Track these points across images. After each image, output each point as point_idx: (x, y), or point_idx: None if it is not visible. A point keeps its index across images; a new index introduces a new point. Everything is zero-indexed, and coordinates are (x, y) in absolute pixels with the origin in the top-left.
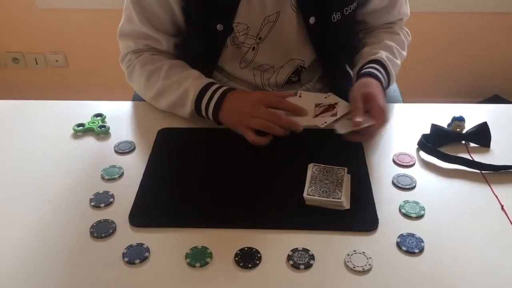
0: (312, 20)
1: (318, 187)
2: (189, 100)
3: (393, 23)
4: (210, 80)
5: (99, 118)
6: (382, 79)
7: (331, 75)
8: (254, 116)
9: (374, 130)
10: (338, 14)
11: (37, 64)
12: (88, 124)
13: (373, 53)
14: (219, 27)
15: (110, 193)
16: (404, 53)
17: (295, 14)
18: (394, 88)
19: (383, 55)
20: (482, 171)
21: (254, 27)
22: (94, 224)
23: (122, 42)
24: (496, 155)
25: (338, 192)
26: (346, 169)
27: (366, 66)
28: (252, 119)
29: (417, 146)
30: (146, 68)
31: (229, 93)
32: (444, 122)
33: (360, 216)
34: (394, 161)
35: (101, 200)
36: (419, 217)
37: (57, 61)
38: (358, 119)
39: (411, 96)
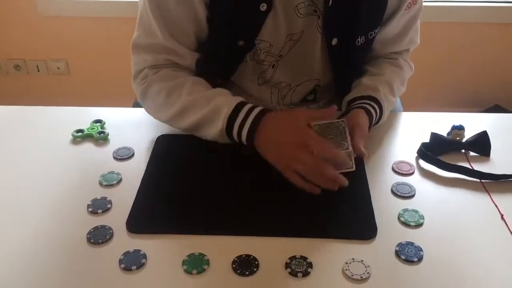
0: (334, 41)
1: None
2: (221, 116)
3: (399, 53)
4: (242, 98)
5: (98, 124)
6: (374, 120)
7: (343, 94)
8: (299, 161)
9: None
10: (363, 38)
11: (38, 71)
12: (87, 130)
13: (373, 89)
14: (241, 43)
15: (108, 199)
16: (403, 88)
17: (320, 34)
18: None
19: (382, 94)
20: (482, 180)
21: (277, 46)
22: (91, 230)
23: (137, 56)
24: (496, 164)
25: (344, 143)
26: (344, 120)
27: (363, 101)
28: (297, 164)
29: (416, 155)
30: (166, 84)
31: (265, 115)
32: (443, 131)
33: (359, 224)
34: (393, 169)
35: (99, 206)
36: (418, 225)
37: (58, 68)
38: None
39: (411, 105)
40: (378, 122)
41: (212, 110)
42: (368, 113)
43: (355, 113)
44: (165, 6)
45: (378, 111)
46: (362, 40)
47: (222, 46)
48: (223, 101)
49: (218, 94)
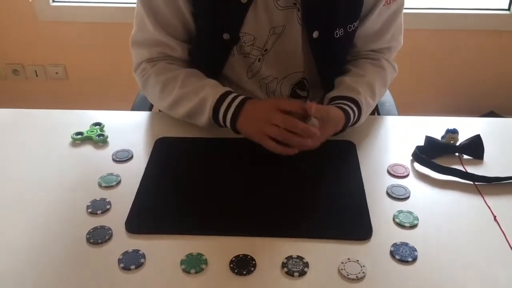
0: (315, 34)
1: None
2: (207, 107)
3: (380, 52)
4: (228, 88)
5: (97, 127)
6: (351, 121)
7: (329, 88)
8: (271, 123)
9: (305, 141)
10: (341, 30)
11: (37, 76)
12: (87, 132)
13: (354, 90)
14: (226, 36)
15: (107, 200)
16: (385, 89)
17: (301, 27)
18: (389, 102)
19: (362, 97)
20: (475, 183)
21: (261, 39)
22: (91, 231)
23: (135, 51)
24: (489, 167)
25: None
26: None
27: (343, 102)
28: (269, 127)
29: (411, 158)
30: (161, 77)
31: (247, 101)
32: (438, 135)
33: (355, 224)
34: (388, 172)
35: (98, 207)
36: (413, 226)
37: (57, 73)
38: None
39: (407, 111)
40: (355, 124)
41: (199, 102)
42: (347, 114)
43: (335, 112)
44: (154, 2)
45: (356, 113)
46: (341, 33)
47: (208, 40)
48: (209, 92)
49: (206, 86)
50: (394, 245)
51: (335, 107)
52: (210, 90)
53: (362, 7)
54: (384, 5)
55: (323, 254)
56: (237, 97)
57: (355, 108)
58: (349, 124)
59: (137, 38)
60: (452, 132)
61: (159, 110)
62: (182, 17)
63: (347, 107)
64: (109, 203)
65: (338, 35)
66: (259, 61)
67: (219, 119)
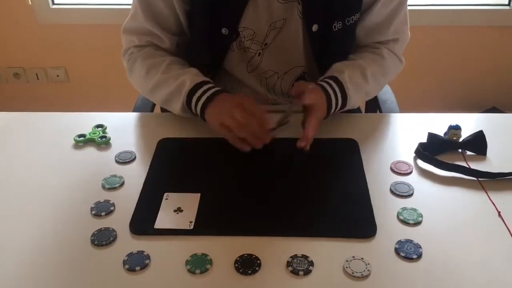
0: (315, 27)
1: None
2: (183, 92)
3: (382, 43)
4: (207, 78)
5: (100, 129)
6: (332, 96)
7: None
8: (231, 116)
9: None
10: (339, 23)
11: (38, 79)
12: (89, 134)
13: (337, 71)
14: (224, 31)
15: (110, 201)
16: (386, 78)
17: (301, 21)
18: (391, 99)
19: (346, 76)
20: (479, 179)
21: (260, 33)
22: (95, 232)
23: (125, 37)
24: (492, 162)
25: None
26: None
27: (323, 80)
28: (229, 119)
29: (414, 155)
30: (147, 62)
31: (221, 94)
32: (440, 131)
33: (359, 222)
34: (392, 169)
35: (102, 209)
36: (417, 223)
37: (58, 76)
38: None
39: (408, 108)
40: (345, 104)
41: (177, 86)
42: (324, 90)
43: (308, 91)
44: None
45: (337, 89)
46: (339, 26)
47: (206, 35)
48: (188, 78)
49: (187, 73)
50: (399, 242)
51: (311, 87)
52: (189, 76)
53: (362, 0)
54: None
55: (327, 253)
56: (212, 88)
57: (334, 84)
58: (333, 101)
59: (128, 26)
60: (455, 129)
61: (162, 110)
62: (174, 11)
63: (324, 84)
64: (113, 204)
65: (336, 28)
66: (259, 55)
67: (191, 105)
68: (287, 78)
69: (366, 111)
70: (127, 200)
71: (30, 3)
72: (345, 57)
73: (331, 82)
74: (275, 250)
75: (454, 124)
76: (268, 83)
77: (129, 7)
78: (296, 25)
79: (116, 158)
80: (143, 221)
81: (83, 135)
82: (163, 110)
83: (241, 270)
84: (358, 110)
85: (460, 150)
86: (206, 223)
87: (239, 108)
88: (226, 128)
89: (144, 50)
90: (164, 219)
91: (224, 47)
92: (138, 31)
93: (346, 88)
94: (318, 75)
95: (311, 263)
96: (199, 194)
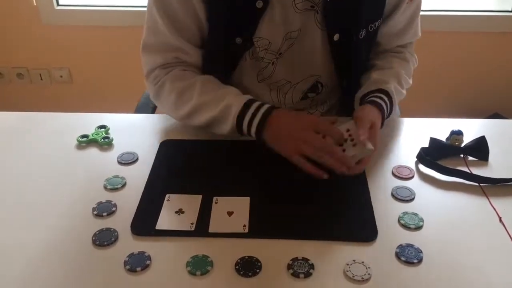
0: (336, 37)
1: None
2: (231, 116)
3: (404, 46)
4: (250, 96)
5: (102, 129)
6: (386, 112)
7: (347, 89)
8: (306, 142)
9: (367, 160)
10: (364, 31)
11: (41, 79)
12: (92, 135)
13: (383, 82)
14: (238, 40)
15: (112, 202)
16: (410, 81)
17: (320, 30)
18: None
19: (391, 86)
20: (481, 184)
21: (276, 43)
22: (97, 233)
23: (147, 56)
24: (494, 168)
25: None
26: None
27: (373, 95)
28: (304, 145)
29: (416, 159)
30: (177, 84)
31: (274, 111)
32: (442, 136)
33: (360, 226)
34: (393, 174)
35: (104, 209)
36: (418, 228)
37: (61, 76)
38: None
39: (410, 113)
40: (390, 115)
41: (222, 111)
42: (380, 107)
43: (362, 108)
44: (169, 5)
45: (388, 103)
46: (364, 34)
47: (221, 44)
48: (232, 100)
49: (227, 94)
50: (400, 246)
51: (368, 107)
52: (233, 98)
53: (385, 5)
54: (407, 2)
55: (328, 256)
56: (262, 106)
57: (385, 98)
58: (386, 115)
59: (149, 43)
60: (457, 134)
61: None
62: (198, 20)
63: (378, 99)
64: (115, 205)
65: (362, 36)
66: (272, 64)
67: (243, 128)
68: (300, 87)
69: None
70: (129, 201)
71: (35, 4)
72: (364, 63)
73: (383, 96)
74: (276, 252)
75: (456, 129)
76: (279, 92)
77: (133, 9)
78: (314, 34)
79: (119, 159)
80: (144, 222)
81: (85, 136)
82: None
83: (241, 272)
84: None
85: (462, 156)
86: (208, 225)
87: (313, 134)
88: (303, 157)
89: (171, 72)
90: (165, 220)
91: (236, 56)
92: (162, 48)
93: (393, 98)
94: (334, 82)
95: (312, 266)
96: (200, 196)
